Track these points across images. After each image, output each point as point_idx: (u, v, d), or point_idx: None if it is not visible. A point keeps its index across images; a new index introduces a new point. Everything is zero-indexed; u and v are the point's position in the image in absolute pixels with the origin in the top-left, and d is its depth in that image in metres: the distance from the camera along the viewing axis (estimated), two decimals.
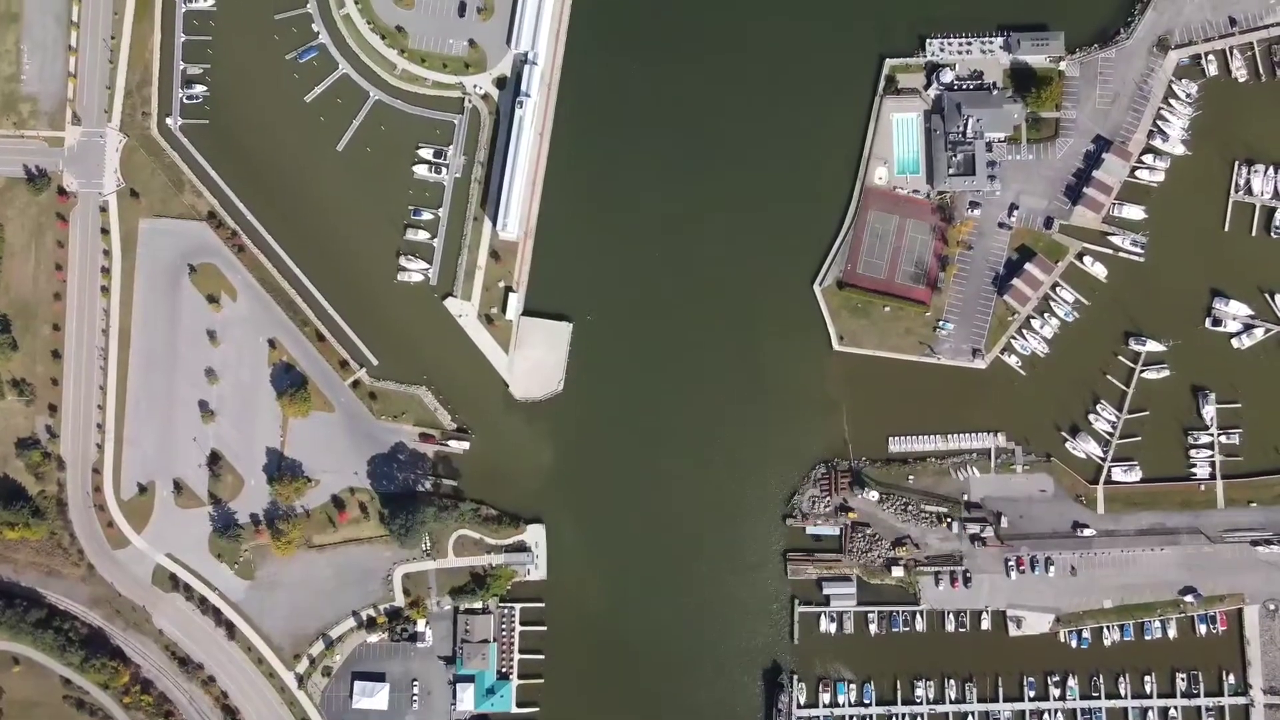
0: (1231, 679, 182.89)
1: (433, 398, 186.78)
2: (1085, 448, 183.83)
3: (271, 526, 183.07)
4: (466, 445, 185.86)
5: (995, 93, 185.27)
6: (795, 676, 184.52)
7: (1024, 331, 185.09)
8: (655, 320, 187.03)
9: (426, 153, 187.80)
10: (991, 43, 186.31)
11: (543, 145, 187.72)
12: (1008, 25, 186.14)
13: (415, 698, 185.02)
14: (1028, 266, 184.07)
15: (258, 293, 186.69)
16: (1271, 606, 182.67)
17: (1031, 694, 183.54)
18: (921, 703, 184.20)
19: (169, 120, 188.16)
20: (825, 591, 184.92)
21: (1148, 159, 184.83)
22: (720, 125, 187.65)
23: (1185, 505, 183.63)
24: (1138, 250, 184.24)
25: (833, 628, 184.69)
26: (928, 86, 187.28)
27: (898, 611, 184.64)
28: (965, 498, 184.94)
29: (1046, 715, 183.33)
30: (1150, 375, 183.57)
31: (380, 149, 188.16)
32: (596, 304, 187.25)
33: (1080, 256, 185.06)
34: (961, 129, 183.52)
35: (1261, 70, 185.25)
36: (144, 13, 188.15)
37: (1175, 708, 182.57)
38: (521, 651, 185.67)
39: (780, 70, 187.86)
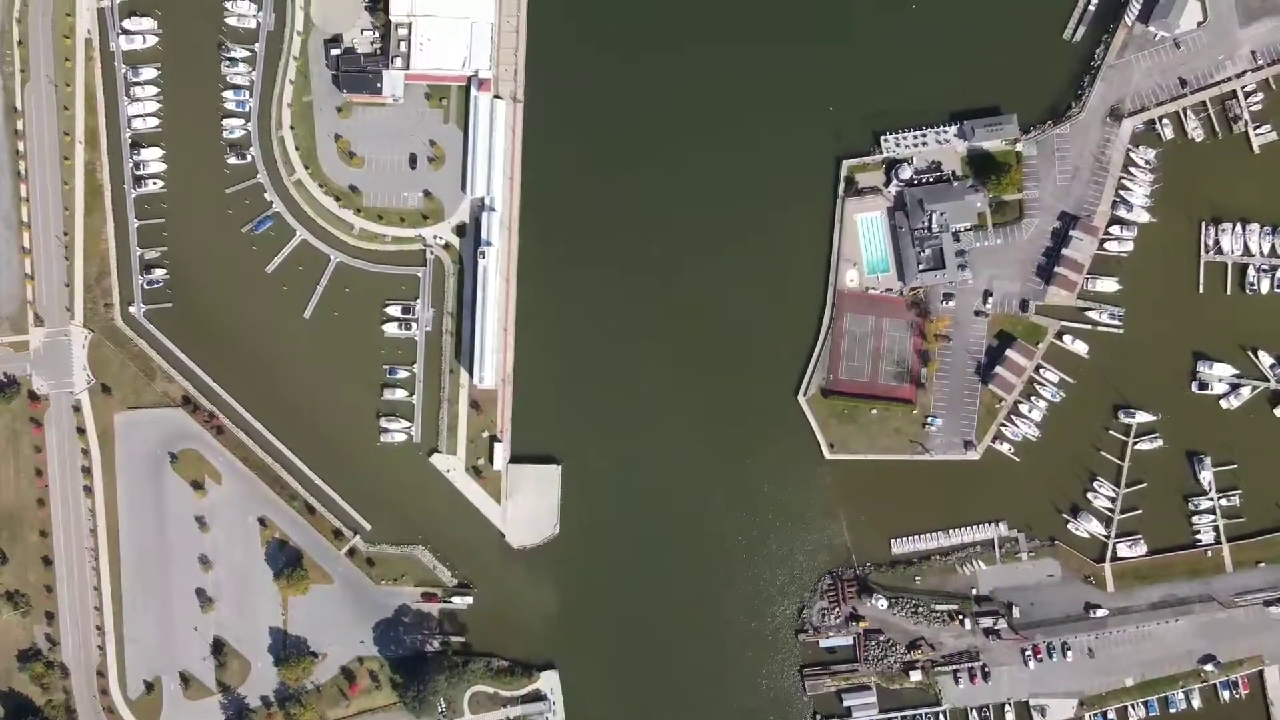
0: None
1: (431, 556, 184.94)
2: (1088, 527, 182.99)
3: (284, 709, 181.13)
4: (470, 600, 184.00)
5: (956, 184, 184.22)
6: None
7: (1013, 417, 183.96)
8: (644, 451, 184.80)
9: (394, 309, 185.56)
10: (946, 132, 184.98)
11: (510, 289, 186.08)
12: (960, 113, 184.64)
13: None
14: (1009, 352, 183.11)
15: (242, 473, 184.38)
16: None
17: None
18: None
19: (132, 309, 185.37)
20: (846, 703, 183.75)
21: (1115, 230, 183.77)
22: (684, 250, 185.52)
23: (1194, 573, 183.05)
24: (1116, 323, 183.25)
25: None
26: (887, 183, 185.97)
27: (921, 714, 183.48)
28: (974, 592, 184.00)
29: None
30: (1144, 446, 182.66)
31: (348, 311, 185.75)
32: (582, 443, 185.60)
33: (1060, 335, 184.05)
34: (926, 224, 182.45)
35: (1218, 128, 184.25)
36: (94, 204, 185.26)
37: None
38: None
39: (738, 185, 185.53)
